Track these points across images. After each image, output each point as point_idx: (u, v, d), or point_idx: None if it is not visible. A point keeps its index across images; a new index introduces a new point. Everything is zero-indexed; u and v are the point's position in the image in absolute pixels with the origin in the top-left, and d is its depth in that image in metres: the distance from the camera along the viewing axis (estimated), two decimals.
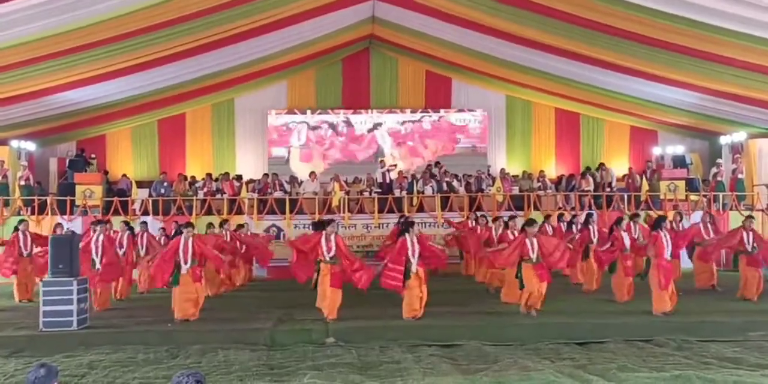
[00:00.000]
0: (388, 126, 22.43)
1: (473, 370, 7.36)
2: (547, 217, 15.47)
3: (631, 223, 12.60)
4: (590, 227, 13.12)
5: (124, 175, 20.56)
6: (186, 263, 10.33)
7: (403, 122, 22.43)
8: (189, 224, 11.02)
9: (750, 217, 13.04)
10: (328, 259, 10.24)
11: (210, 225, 14.36)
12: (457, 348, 8.63)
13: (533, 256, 10.34)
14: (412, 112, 22.46)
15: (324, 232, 10.31)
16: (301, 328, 9.55)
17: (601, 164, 20.69)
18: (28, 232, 13.34)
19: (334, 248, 10.24)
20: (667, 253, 10.57)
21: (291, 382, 7.02)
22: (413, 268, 10.06)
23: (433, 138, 22.51)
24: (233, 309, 11.52)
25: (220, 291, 13.54)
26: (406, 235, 10.22)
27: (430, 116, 22.49)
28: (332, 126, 22.42)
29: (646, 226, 12.74)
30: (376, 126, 22.42)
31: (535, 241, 10.42)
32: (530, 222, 10.83)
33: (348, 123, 22.43)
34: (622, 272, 11.63)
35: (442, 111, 22.50)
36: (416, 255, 10.10)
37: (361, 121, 22.47)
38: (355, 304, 10.75)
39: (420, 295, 10.08)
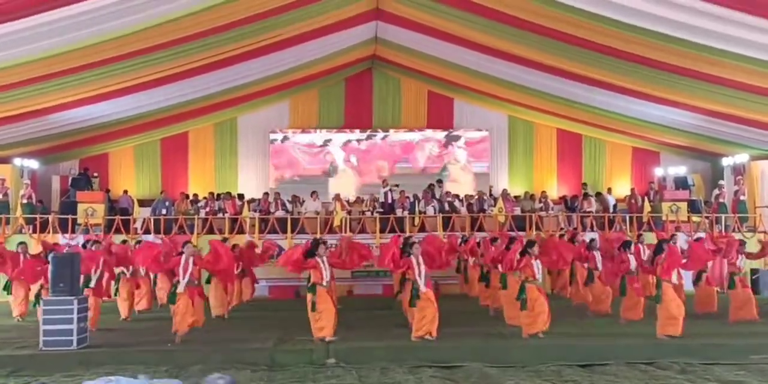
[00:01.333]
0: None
1: None
2: (550, 237, 15.38)
3: (640, 246, 12.50)
4: (594, 253, 13.00)
5: (125, 192, 20.51)
6: (184, 281, 10.19)
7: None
8: (188, 242, 10.93)
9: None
10: (324, 283, 10.06)
11: (224, 240, 14.08)
12: (459, 369, 8.54)
13: (539, 277, 10.37)
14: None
15: (316, 257, 10.01)
16: (302, 348, 9.49)
17: (598, 193, 20.10)
18: (28, 255, 13.24)
19: (330, 271, 10.15)
20: (674, 276, 10.48)
21: None
22: (422, 288, 10.00)
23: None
24: (233, 329, 11.47)
25: (225, 312, 13.20)
26: (411, 256, 10.12)
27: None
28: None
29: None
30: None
31: (539, 262, 10.45)
32: (531, 243, 10.78)
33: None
34: (633, 293, 11.48)
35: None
36: (423, 276, 10.04)
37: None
38: (357, 325, 10.69)
39: (434, 313, 9.93)
